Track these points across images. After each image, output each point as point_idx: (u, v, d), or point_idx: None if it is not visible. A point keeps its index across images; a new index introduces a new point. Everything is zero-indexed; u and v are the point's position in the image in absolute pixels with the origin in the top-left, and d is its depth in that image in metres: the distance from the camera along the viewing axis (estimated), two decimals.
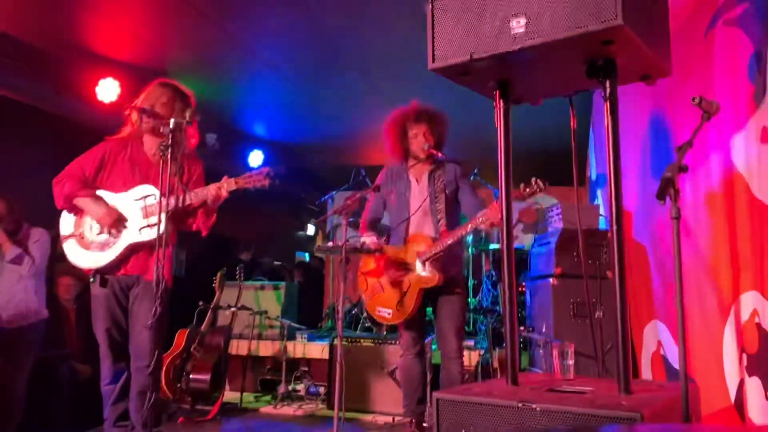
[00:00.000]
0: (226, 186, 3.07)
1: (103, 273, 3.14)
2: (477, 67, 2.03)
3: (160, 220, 2.78)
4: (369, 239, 3.61)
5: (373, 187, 3.66)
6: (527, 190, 3.22)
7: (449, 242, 3.29)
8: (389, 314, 3.44)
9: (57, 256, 4.51)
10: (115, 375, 3.13)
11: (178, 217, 3.23)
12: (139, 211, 3.12)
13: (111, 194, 3.18)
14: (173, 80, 3.31)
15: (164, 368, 4.40)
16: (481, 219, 3.23)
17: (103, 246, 3.14)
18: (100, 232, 3.15)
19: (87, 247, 3.16)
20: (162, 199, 2.80)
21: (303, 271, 8.86)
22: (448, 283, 3.42)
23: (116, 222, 3.11)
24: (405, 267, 3.43)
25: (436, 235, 3.41)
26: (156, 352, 2.69)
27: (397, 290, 3.43)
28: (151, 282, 3.07)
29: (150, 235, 3.00)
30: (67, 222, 3.24)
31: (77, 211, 3.20)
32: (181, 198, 3.07)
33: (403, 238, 3.52)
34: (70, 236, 3.20)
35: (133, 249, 3.12)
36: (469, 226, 3.30)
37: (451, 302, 3.41)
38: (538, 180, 3.22)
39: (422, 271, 3.36)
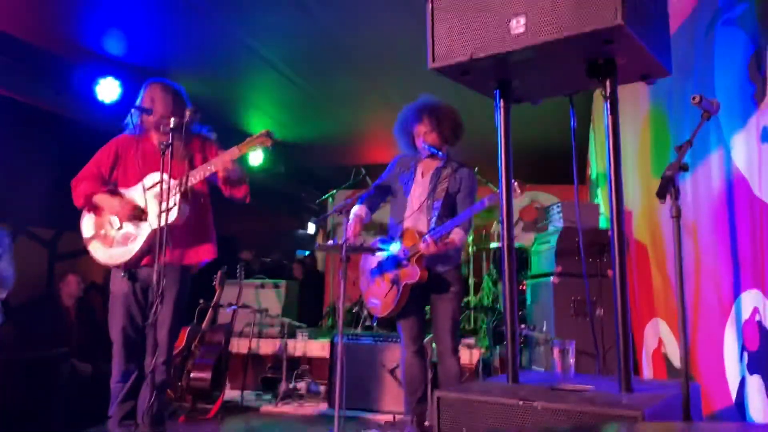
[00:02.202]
0: (228, 155, 3.09)
1: (131, 267, 3.16)
2: (477, 67, 2.03)
3: (161, 210, 2.78)
4: (354, 212, 3.47)
5: (375, 187, 3.66)
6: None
7: (427, 243, 3.25)
8: (378, 306, 3.47)
9: (58, 255, 4.53)
10: (125, 374, 3.14)
11: (194, 200, 3.24)
12: (153, 198, 3.13)
13: (126, 189, 3.24)
14: (163, 78, 3.35)
15: None
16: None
17: (126, 240, 3.17)
18: (121, 227, 3.17)
19: (111, 244, 3.19)
20: (166, 189, 2.83)
21: (301, 268, 8.88)
22: (441, 283, 3.41)
23: (133, 213, 3.15)
24: (395, 262, 3.43)
25: (426, 230, 3.39)
26: (161, 350, 2.71)
27: (385, 283, 3.44)
28: (176, 266, 3.11)
29: (168, 219, 2.97)
30: (87, 224, 3.27)
31: (96, 210, 3.24)
32: (185, 179, 3.09)
33: (400, 232, 3.51)
34: (92, 237, 3.23)
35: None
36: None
37: (444, 301, 3.41)
38: (516, 183, 3.16)
39: (406, 266, 3.36)
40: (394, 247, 3.44)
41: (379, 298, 3.46)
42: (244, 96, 6.61)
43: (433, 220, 3.39)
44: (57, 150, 5.53)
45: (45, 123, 5.49)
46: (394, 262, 3.43)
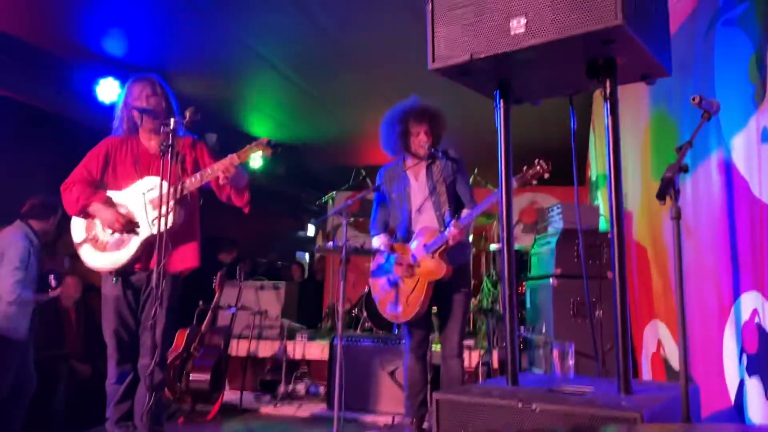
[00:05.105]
0: (228, 161, 3.03)
1: (123, 272, 3.12)
2: (477, 67, 2.03)
3: (161, 215, 2.77)
4: (379, 240, 3.61)
5: (374, 188, 3.65)
6: (530, 171, 3.21)
7: (454, 231, 3.27)
8: (399, 312, 3.42)
9: (58, 257, 4.52)
10: (120, 375, 3.12)
11: (188, 205, 3.21)
12: (148, 204, 3.10)
13: (118, 193, 3.18)
14: (149, 74, 3.30)
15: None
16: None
17: (119, 245, 3.12)
18: (114, 232, 3.14)
19: (103, 248, 3.14)
20: (165, 194, 2.79)
21: (300, 270, 8.85)
22: (457, 280, 3.41)
23: (126, 227, 3.10)
24: (412, 261, 3.41)
25: (440, 227, 3.41)
26: (156, 352, 2.69)
27: (406, 286, 3.42)
28: (168, 273, 3.06)
29: (166, 224, 2.92)
30: (77, 227, 3.21)
31: (87, 215, 3.18)
32: (181, 185, 3.06)
33: (407, 233, 3.51)
34: (84, 242, 3.18)
35: (150, 243, 3.04)
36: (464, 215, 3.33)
37: (457, 302, 3.40)
38: (541, 161, 3.21)
39: (430, 262, 3.35)
40: (412, 247, 3.43)
41: (400, 303, 3.42)
42: (244, 96, 6.61)
43: (443, 214, 3.41)
44: (57, 150, 5.53)
45: (45, 123, 5.49)
46: (410, 261, 3.41)
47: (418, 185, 3.53)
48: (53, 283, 4.00)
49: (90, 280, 5.47)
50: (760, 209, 2.20)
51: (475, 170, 6.43)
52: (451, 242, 3.29)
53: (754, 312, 2.27)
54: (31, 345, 3.98)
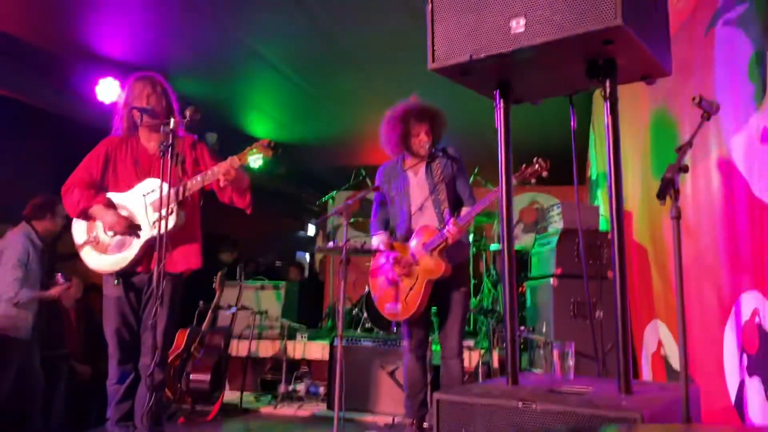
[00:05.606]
0: (229, 164, 3.04)
1: (124, 273, 3.12)
2: (477, 67, 2.03)
3: (161, 216, 2.76)
4: (379, 239, 3.61)
5: (374, 188, 3.66)
6: (529, 170, 3.22)
7: (453, 230, 3.27)
8: (398, 309, 3.42)
9: (59, 257, 4.52)
10: (121, 375, 3.12)
11: (189, 207, 3.21)
12: (149, 206, 3.10)
13: (119, 194, 3.18)
14: (150, 73, 3.29)
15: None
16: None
17: (121, 246, 3.12)
18: (115, 234, 3.14)
19: (104, 250, 3.14)
20: (166, 195, 2.79)
21: (298, 270, 8.85)
22: (456, 278, 3.41)
23: (128, 229, 3.10)
24: (412, 260, 3.41)
25: (440, 225, 3.41)
26: (157, 352, 2.69)
27: (405, 284, 3.42)
28: (170, 274, 3.07)
29: (167, 226, 2.93)
30: (79, 229, 3.22)
31: (88, 217, 3.19)
32: (182, 187, 3.06)
33: (407, 232, 3.51)
34: (85, 243, 3.18)
35: (151, 245, 3.04)
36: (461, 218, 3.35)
37: (456, 301, 3.41)
38: (539, 159, 3.22)
39: (429, 261, 3.35)
40: (411, 245, 3.43)
41: (399, 300, 3.42)
42: (244, 96, 6.60)
43: (443, 212, 3.42)
44: (57, 150, 5.53)
45: (45, 123, 5.49)
46: (409, 260, 3.41)
47: (417, 184, 3.53)
48: (61, 280, 4.01)
49: (90, 281, 5.48)
50: (760, 209, 2.20)
51: (476, 169, 6.44)
52: (450, 240, 3.29)
53: (755, 312, 2.27)
54: (37, 344, 3.99)
